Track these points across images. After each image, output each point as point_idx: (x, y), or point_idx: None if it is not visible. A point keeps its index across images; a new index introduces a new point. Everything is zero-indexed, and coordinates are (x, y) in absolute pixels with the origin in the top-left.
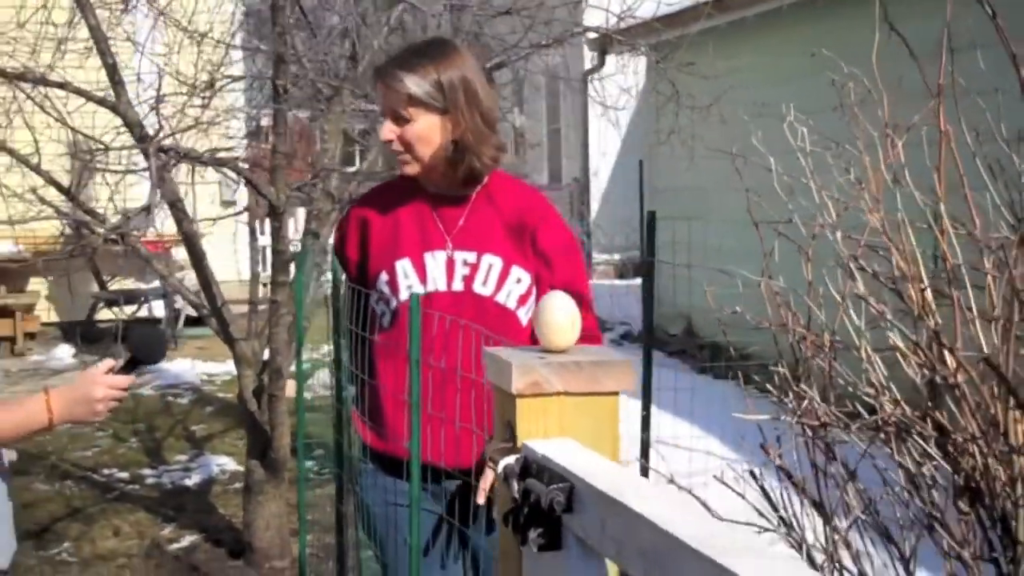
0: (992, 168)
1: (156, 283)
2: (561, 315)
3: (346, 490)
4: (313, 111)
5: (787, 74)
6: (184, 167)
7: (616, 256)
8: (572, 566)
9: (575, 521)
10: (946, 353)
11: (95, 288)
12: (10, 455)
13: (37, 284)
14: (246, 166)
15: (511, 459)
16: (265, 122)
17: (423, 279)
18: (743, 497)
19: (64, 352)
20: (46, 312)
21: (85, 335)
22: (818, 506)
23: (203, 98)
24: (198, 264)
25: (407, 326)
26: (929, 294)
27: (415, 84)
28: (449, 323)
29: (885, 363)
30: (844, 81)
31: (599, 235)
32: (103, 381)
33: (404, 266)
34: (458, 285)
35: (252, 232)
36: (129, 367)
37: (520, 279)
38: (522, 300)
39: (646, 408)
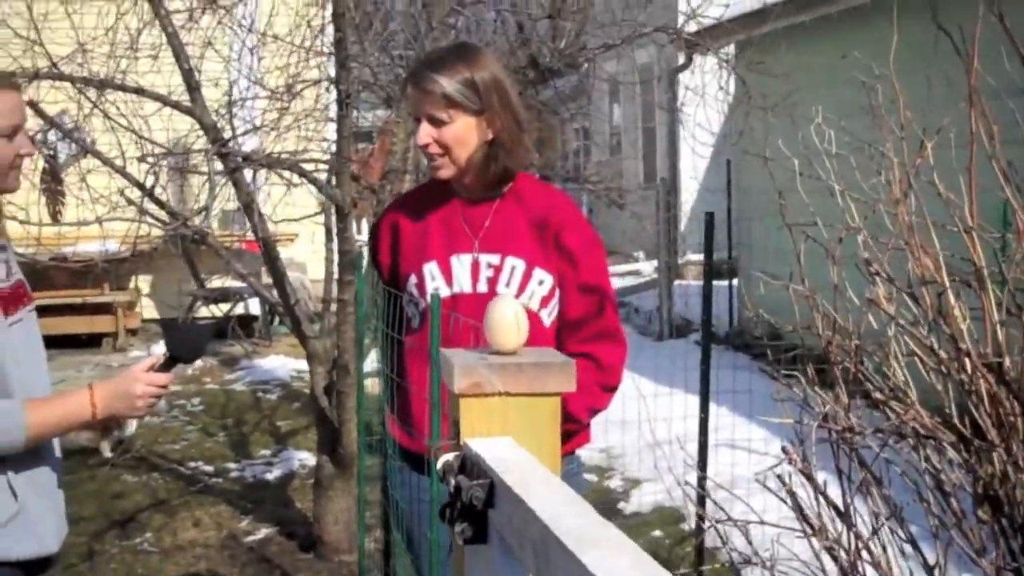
0: (1005, 171)
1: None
2: (507, 317)
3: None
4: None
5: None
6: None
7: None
8: (495, 559)
9: (496, 516)
10: (965, 358)
11: (193, 286)
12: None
13: (139, 282)
14: (313, 167)
15: (450, 456)
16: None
17: (449, 281)
18: (784, 502)
19: (163, 348)
20: (147, 309)
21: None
22: (840, 512)
23: (282, 101)
24: (271, 264)
25: (460, 330)
26: (951, 297)
27: (451, 85)
28: (469, 324)
29: (912, 368)
30: (874, 83)
31: (690, 235)
32: (143, 378)
33: (431, 269)
34: (483, 287)
35: (328, 232)
36: (168, 365)
37: (543, 281)
38: (544, 302)
39: (704, 410)
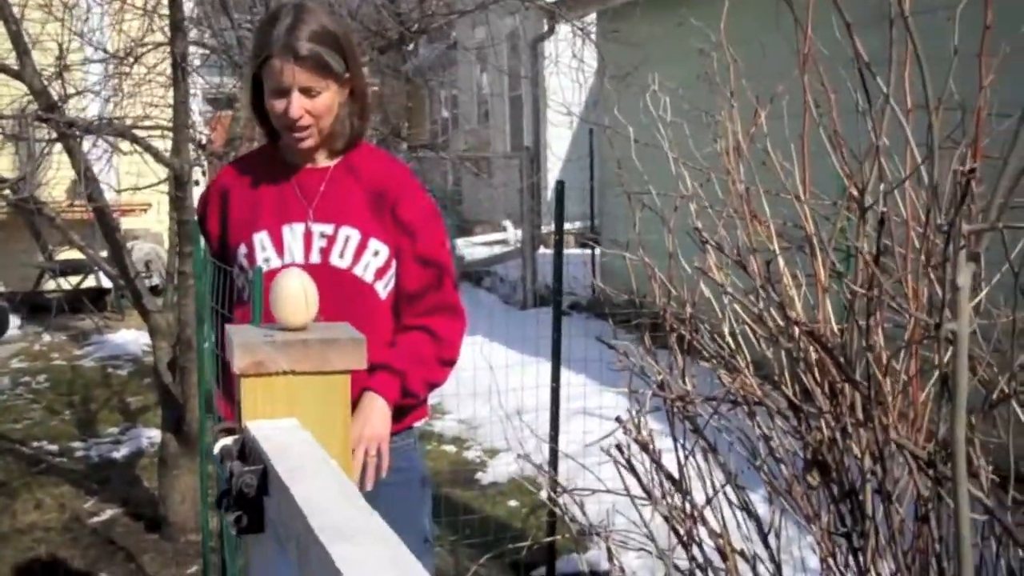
0: (831, 139)
1: (104, 253)
2: (293, 290)
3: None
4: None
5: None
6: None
7: (577, 224)
8: (270, 549)
9: (269, 504)
10: (795, 326)
11: (41, 258)
12: None
13: None
14: (145, 134)
15: (228, 440)
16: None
17: (280, 251)
18: (629, 471)
19: (10, 323)
20: None
21: (30, 305)
22: (674, 480)
23: (124, 65)
24: (110, 236)
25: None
26: (781, 264)
27: (326, 53)
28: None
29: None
30: (710, 52)
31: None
32: None
33: (262, 238)
34: (315, 258)
35: (172, 202)
36: None
37: (378, 252)
38: (379, 273)
39: (555, 380)
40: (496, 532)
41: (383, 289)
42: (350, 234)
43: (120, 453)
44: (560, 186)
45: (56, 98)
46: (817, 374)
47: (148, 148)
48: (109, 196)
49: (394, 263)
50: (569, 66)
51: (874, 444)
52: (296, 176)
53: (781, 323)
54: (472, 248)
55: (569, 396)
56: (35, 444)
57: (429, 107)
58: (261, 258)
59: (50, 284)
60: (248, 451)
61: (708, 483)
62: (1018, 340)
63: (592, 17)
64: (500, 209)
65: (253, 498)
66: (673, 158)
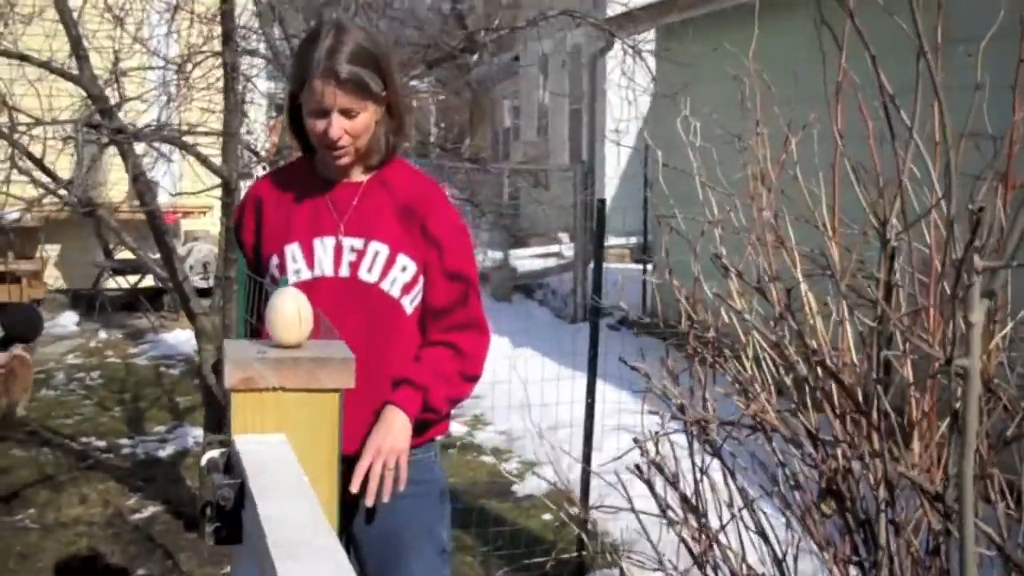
0: (855, 169)
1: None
2: (287, 310)
3: None
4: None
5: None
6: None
7: (633, 239)
8: (247, 560)
9: (245, 517)
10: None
11: (101, 257)
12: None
13: (46, 251)
14: (193, 141)
15: (215, 453)
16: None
17: (311, 264)
18: (653, 492)
19: (68, 319)
20: (54, 279)
21: (90, 303)
22: (690, 504)
23: (182, 73)
24: (159, 238)
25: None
26: (806, 292)
27: (366, 75)
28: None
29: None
30: (744, 76)
31: (615, 218)
32: None
33: (293, 250)
34: (344, 271)
35: (222, 208)
36: (3, 344)
37: (405, 267)
38: (406, 289)
39: (591, 395)
40: (527, 544)
41: (409, 304)
42: (379, 249)
43: (166, 452)
44: (601, 204)
45: (113, 103)
46: (838, 403)
47: (197, 155)
48: (168, 199)
49: (421, 279)
50: (619, 84)
51: (884, 476)
52: (330, 190)
53: (799, 351)
54: (524, 260)
55: (605, 412)
56: (84, 440)
57: (492, 118)
58: (292, 269)
59: (110, 283)
60: (232, 464)
61: (725, 506)
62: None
63: (651, 34)
64: (556, 222)
65: (231, 510)
66: (701, 182)
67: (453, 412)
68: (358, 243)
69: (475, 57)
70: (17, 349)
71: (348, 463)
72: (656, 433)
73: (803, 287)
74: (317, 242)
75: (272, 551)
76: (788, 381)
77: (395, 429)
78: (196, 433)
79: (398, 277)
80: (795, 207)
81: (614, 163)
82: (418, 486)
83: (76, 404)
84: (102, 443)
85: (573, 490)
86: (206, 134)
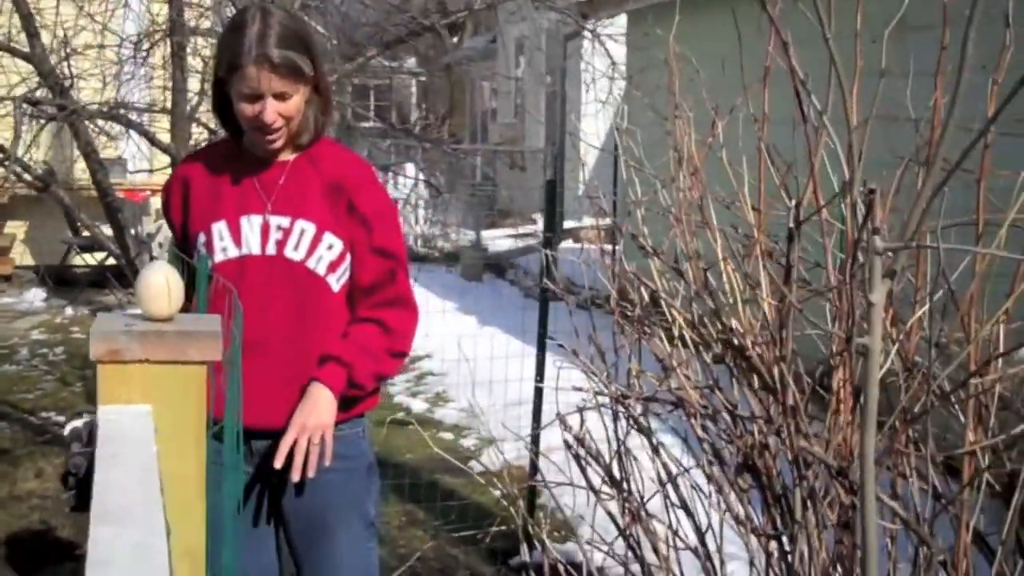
0: (769, 150)
1: (133, 231)
2: (156, 284)
3: None
4: None
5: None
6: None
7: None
8: None
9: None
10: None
11: (69, 234)
12: None
13: (13, 227)
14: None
15: (79, 423)
16: None
17: (237, 242)
18: (581, 468)
19: (35, 296)
20: (20, 255)
21: (57, 279)
22: (614, 480)
23: (135, 50)
24: (111, 215)
25: (221, 289)
26: (728, 271)
27: (299, 59)
28: (229, 287)
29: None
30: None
31: (591, 201)
32: None
33: (220, 228)
34: (271, 249)
35: None
36: None
37: (332, 245)
38: (332, 266)
39: (540, 374)
40: (476, 520)
41: (336, 282)
42: (305, 227)
43: None
44: (551, 186)
45: (66, 81)
46: (755, 380)
47: (144, 133)
48: (143, 177)
49: (348, 257)
50: (586, 68)
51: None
52: (257, 169)
53: (719, 330)
54: (498, 241)
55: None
56: (43, 414)
57: (470, 100)
58: (219, 247)
59: (77, 260)
60: (92, 435)
61: (651, 481)
62: (941, 355)
63: (622, 19)
64: (534, 203)
65: (84, 478)
66: (628, 164)
67: (414, 390)
68: (284, 221)
69: (455, 39)
70: None
71: (275, 440)
72: (579, 409)
73: (723, 267)
74: (244, 220)
75: (92, 515)
76: (707, 358)
77: (320, 405)
78: None
79: (324, 255)
80: (727, 188)
81: (589, 146)
82: (345, 461)
83: (38, 379)
84: (61, 418)
85: (523, 466)
86: (149, 111)
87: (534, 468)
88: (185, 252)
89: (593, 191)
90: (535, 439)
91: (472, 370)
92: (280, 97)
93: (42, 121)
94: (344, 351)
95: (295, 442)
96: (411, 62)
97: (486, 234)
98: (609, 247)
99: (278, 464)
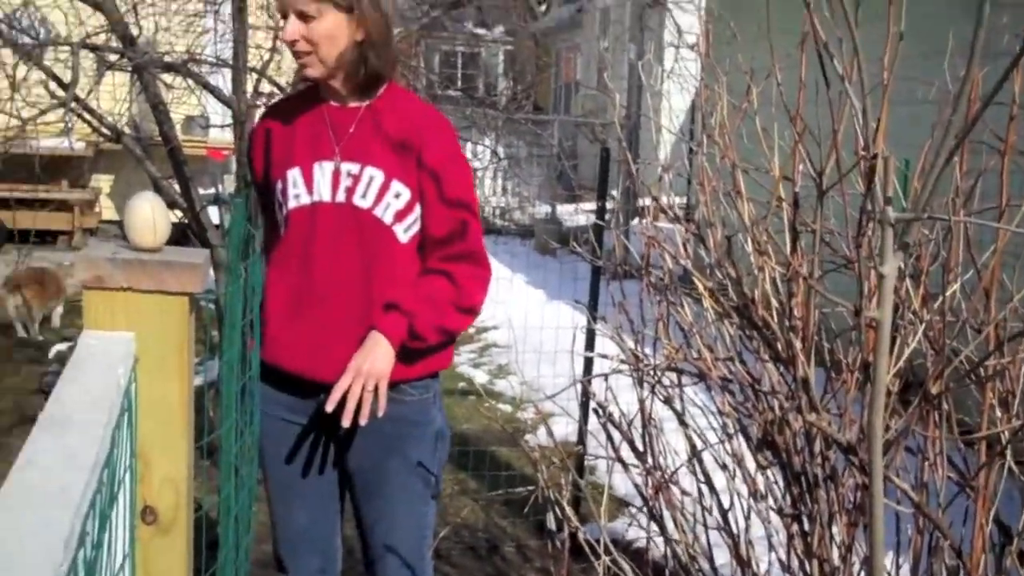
0: (793, 120)
1: (212, 189)
2: (142, 215)
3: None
4: None
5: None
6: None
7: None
8: None
9: None
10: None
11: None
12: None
13: (100, 182)
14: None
15: (63, 346)
16: None
17: (310, 189)
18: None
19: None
20: (108, 210)
21: None
22: (636, 450)
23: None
24: (178, 169)
25: (296, 235)
26: (765, 241)
27: None
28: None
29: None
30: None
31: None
32: None
33: (295, 175)
34: (341, 196)
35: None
36: None
37: (399, 194)
38: (399, 216)
39: (590, 347)
40: (528, 493)
41: (403, 233)
42: (374, 175)
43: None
44: (604, 153)
45: (136, 32)
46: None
47: (206, 85)
48: (223, 136)
49: (417, 207)
50: (648, 40)
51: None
52: (330, 113)
53: (741, 300)
54: (574, 216)
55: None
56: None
57: (555, 71)
58: (292, 195)
59: None
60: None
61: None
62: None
63: None
64: (613, 179)
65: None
66: (674, 135)
67: (478, 361)
68: (354, 168)
69: (543, 7)
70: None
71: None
72: (603, 375)
73: (740, 236)
74: (316, 167)
75: (38, 423)
76: (729, 329)
77: (377, 353)
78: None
79: (392, 203)
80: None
81: (666, 121)
82: (414, 428)
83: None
84: None
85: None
86: (212, 63)
87: (581, 442)
88: (267, 199)
89: (663, 168)
90: (584, 413)
91: (538, 343)
92: (303, 17)
93: (104, 69)
94: (407, 300)
95: (349, 388)
96: (498, 31)
97: (563, 209)
98: (666, 225)
99: (329, 408)
